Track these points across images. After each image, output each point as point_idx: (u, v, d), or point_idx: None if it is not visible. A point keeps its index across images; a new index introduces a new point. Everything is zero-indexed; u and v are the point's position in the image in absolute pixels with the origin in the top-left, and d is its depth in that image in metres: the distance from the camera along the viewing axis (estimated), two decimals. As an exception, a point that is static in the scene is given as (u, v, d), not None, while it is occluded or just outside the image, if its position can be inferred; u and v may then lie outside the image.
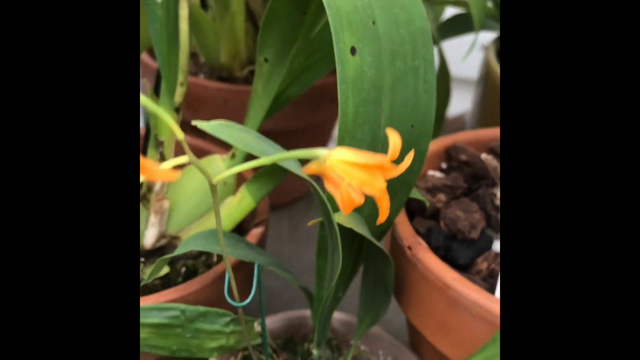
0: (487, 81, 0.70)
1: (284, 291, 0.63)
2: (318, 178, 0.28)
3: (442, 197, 0.46)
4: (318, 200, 0.32)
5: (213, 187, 0.28)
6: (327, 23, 0.43)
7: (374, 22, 0.35)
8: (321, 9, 0.41)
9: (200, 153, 0.57)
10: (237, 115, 0.68)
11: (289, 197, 0.79)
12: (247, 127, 0.50)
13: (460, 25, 0.69)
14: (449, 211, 0.44)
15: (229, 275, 0.35)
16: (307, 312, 0.49)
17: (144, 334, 0.42)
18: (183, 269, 0.51)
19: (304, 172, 0.25)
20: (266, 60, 0.43)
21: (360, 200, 0.23)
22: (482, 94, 0.72)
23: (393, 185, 0.39)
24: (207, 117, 0.51)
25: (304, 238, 0.75)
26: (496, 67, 0.67)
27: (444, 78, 0.68)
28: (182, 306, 0.42)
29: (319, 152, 0.24)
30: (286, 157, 0.25)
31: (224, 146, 0.59)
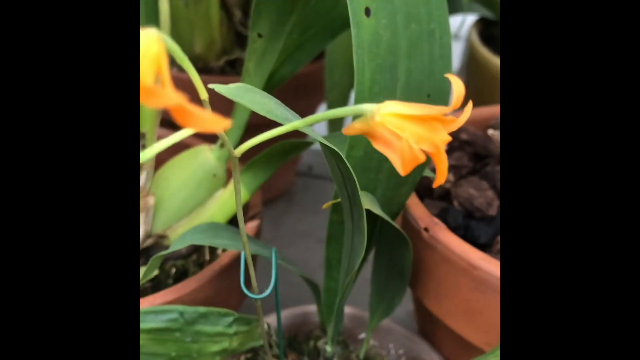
0: (470, 65, 0.68)
1: (285, 288, 0.59)
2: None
3: (449, 176, 0.44)
4: (342, 173, 0.29)
5: (234, 160, 0.25)
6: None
7: (386, -18, 0.32)
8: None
9: (181, 148, 0.53)
10: (214, 108, 0.64)
11: (268, 195, 0.75)
12: (238, 112, 0.47)
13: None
14: (461, 190, 0.41)
15: (244, 265, 0.32)
16: (310, 308, 0.46)
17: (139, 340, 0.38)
18: (173, 270, 0.47)
19: (345, 133, 0.22)
20: (260, 35, 0.40)
21: (423, 158, 0.20)
22: (465, 79, 0.70)
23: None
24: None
25: (287, 236, 0.72)
26: (481, 49, 0.65)
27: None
28: (181, 308, 0.38)
29: (365, 107, 0.21)
30: (323, 118, 0.22)
31: (207, 141, 0.55)
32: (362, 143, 0.34)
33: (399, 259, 0.38)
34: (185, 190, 0.48)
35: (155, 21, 0.45)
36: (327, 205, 0.35)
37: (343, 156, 0.27)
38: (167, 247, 0.48)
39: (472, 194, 0.41)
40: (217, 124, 0.16)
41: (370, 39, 0.32)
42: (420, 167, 0.37)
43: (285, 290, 0.60)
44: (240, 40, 0.67)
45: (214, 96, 0.65)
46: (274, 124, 0.65)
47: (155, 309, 0.38)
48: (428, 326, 0.44)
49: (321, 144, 0.28)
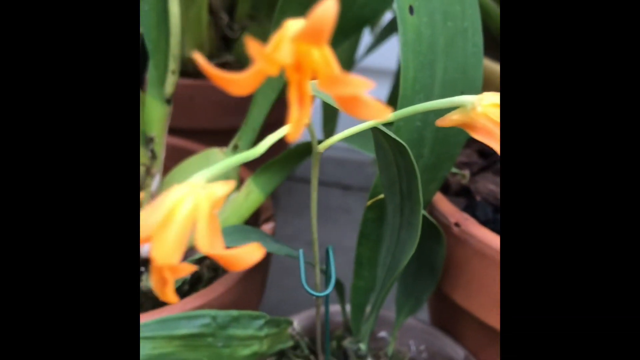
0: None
1: (298, 290, 0.59)
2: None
3: (465, 173, 0.45)
4: (398, 168, 0.29)
5: (316, 155, 0.25)
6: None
7: (425, -19, 0.33)
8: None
9: (185, 154, 0.52)
10: (205, 113, 0.63)
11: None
12: (253, 113, 0.46)
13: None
14: (480, 185, 0.42)
15: (303, 265, 0.32)
16: (333, 308, 0.46)
17: (171, 347, 0.37)
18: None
19: (439, 124, 0.22)
20: (282, 36, 0.40)
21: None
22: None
23: (437, 160, 0.37)
24: (173, 117, 0.47)
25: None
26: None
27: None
28: (213, 312, 0.38)
29: (465, 99, 0.22)
30: (415, 111, 0.22)
31: (203, 144, 0.54)
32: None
33: (429, 254, 0.38)
34: (197, 194, 0.47)
35: (165, 22, 0.44)
36: (371, 201, 0.35)
37: (411, 154, 0.27)
38: (179, 253, 0.47)
39: (493, 189, 0.42)
40: (383, 112, 0.16)
41: (414, 37, 0.32)
42: (450, 163, 0.38)
43: (299, 292, 0.60)
44: (227, 44, 0.67)
45: (201, 96, 0.64)
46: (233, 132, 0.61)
47: (188, 315, 0.37)
48: (449, 319, 0.45)
49: (386, 137, 0.28)
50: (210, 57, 0.65)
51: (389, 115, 0.17)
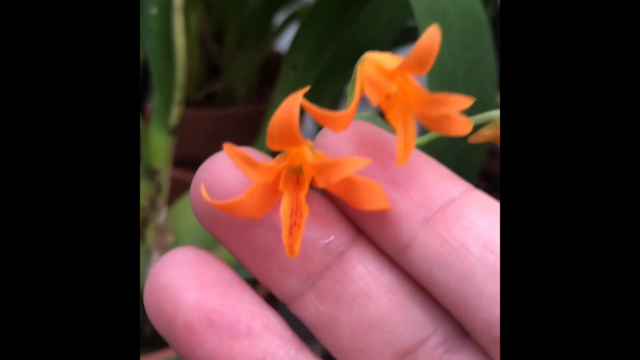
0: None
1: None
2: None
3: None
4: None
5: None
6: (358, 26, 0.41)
7: (445, 14, 0.34)
8: (362, 7, 0.38)
9: (181, 185, 0.52)
10: (195, 143, 0.63)
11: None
12: (261, 143, 0.46)
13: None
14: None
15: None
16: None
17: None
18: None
19: (472, 141, 0.23)
20: (294, 67, 0.40)
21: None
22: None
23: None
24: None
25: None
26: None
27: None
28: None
29: (496, 114, 0.23)
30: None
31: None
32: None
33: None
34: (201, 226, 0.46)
35: (170, 54, 0.44)
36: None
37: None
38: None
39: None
40: (468, 127, 0.17)
41: (439, 66, 0.33)
42: (477, 162, 0.39)
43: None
44: (215, 73, 0.67)
45: (191, 126, 0.63)
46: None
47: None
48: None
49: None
50: (199, 86, 0.65)
51: (471, 129, 0.18)
